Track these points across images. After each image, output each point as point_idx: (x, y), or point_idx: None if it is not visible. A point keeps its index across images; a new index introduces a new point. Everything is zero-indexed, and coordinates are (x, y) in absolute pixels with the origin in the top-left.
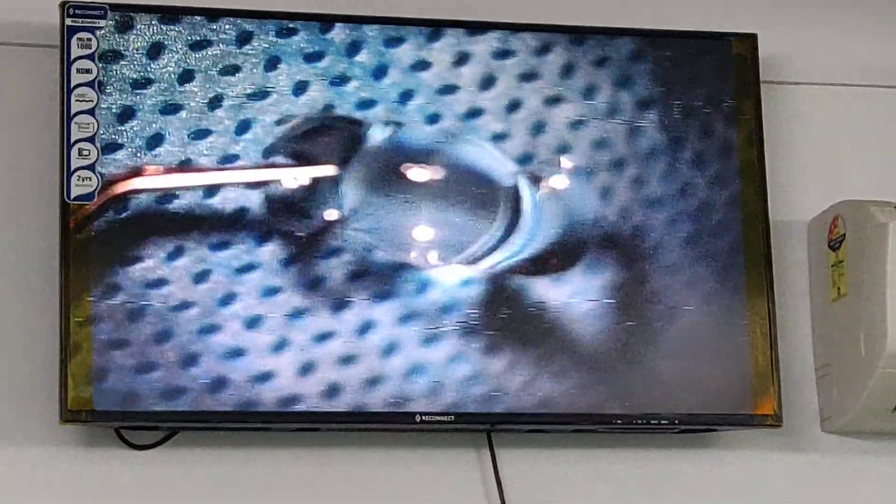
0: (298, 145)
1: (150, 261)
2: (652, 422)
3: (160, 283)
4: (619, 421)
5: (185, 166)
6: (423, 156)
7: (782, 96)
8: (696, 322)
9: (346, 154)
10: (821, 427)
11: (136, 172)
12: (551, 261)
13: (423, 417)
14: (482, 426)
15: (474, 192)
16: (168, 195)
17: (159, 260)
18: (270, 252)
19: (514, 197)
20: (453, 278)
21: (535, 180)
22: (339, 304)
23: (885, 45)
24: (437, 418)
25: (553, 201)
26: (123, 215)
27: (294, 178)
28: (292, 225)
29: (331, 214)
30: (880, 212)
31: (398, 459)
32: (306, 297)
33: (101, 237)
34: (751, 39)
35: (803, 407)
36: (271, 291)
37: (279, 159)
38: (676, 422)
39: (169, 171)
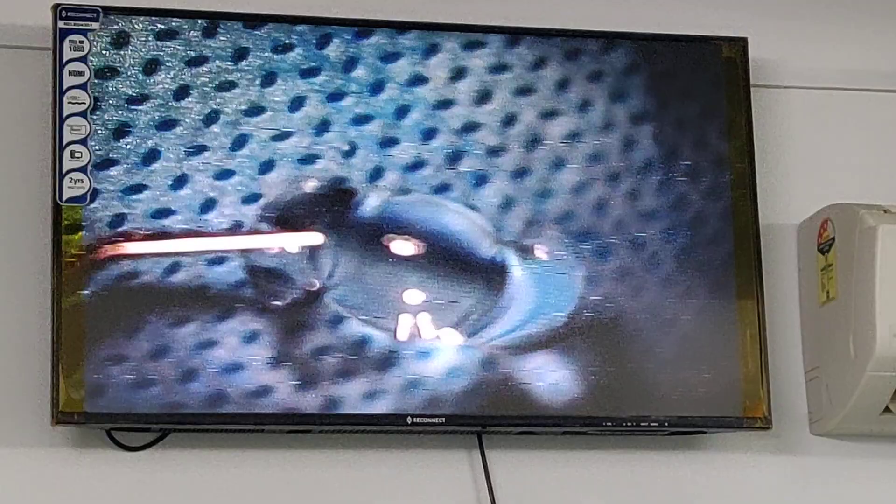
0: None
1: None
2: (642, 424)
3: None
4: (609, 423)
5: (181, 184)
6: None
7: (772, 100)
8: (687, 325)
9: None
10: (810, 429)
11: (132, 190)
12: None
13: (415, 420)
14: (473, 428)
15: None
16: (163, 212)
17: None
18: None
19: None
20: None
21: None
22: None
23: (874, 48)
24: (429, 420)
25: (549, 216)
26: (118, 229)
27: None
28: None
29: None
30: (869, 215)
31: (390, 461)
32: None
33: (92, 248)
34: (741, 43)
35: (793, 409)
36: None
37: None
38: (666, 424)
39: (164, 190)
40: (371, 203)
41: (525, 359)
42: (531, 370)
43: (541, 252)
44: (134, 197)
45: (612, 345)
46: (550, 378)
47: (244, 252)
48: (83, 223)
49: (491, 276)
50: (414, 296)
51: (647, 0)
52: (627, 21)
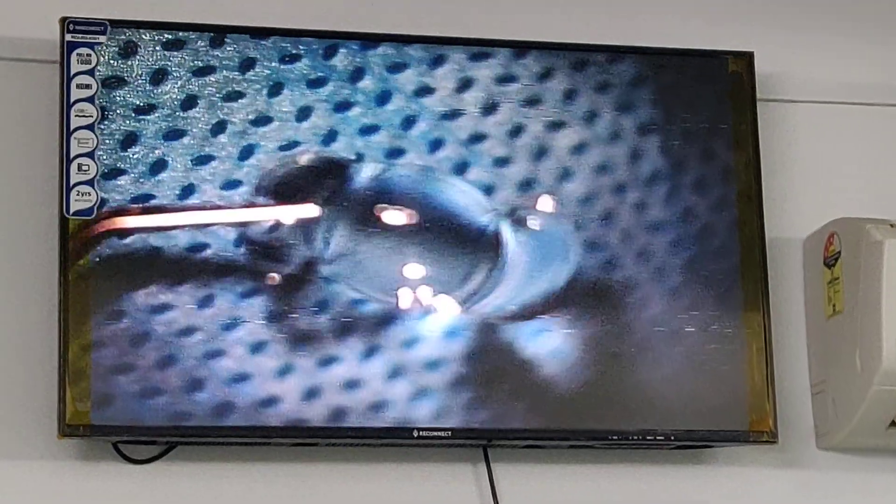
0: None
1: (153, 286)
2: (648, 438)
3: (164, 308)
4: (615, 437)
5: (188, 194)
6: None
7: (778, 114)
8: (693, 338)
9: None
10: (816, 443)
11: (139, 199)
12: (552, 295)
13: (421, 433)
14: (479, 441)
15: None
16: (169, 227)
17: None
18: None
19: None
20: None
21: (534, 208)
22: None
23: (880, 63)
24: (435, 434)
25: (554, 226)
26: (124, 240)
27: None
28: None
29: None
30: (876, 229)
31: (396, 474)
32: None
33: (100, 262)
34: (747, 58)
35: (799, 423)
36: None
37: (280, 196)
38: (672, 438)
39: (172, 200)
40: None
41: (530, 372)
42: (536, 383)
43: None
44: (141, 206)
45: (619, 358)
46: (557, 389)
47: (252, 260)
48: (90, 234)
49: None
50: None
51: (654, 14)
52: (635, 34)
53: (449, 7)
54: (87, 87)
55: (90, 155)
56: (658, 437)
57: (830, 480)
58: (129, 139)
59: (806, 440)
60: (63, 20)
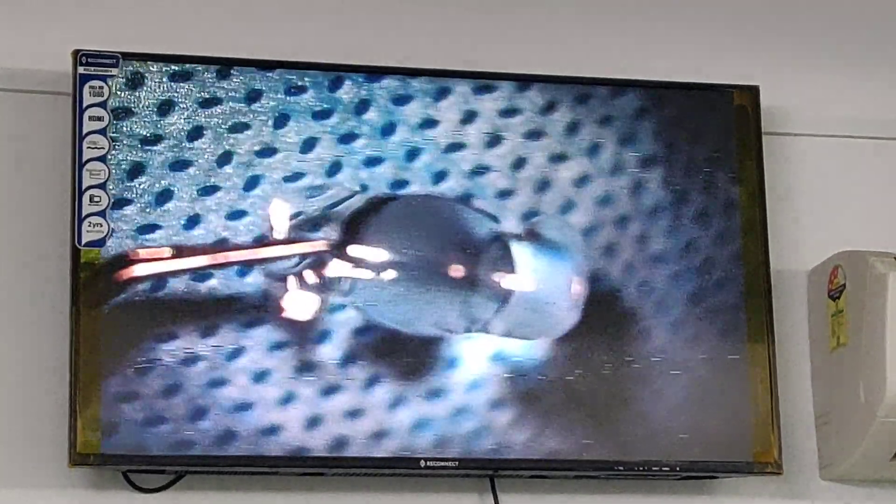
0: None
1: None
2: (653, 468)
3: (171, 336)
4: (620, 468)
5: (193, 224)
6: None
7: (783, 147)
8: (698, 370)
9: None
10: (820, 475)
11: (145, 229)
12: (556, 316)
13: (428, 463)
14: (486, 472)
15: (471, 254)
16: (174, 257)
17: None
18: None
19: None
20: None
21: (538, 237)
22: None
23: (885, 97)
24: (442, 464)
25: (555, 256)
26: (132, 269)
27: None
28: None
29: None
30: (880, 262)
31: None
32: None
33: (110, 292)
34: (753, 91)
35: (803, 454)
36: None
37: (285, 226)
38: (678, 469)
39: (177, 230)
40: None
41: (536, 401)
42: (542, 413)
43: None
44: (147, 236)
45: (624, 389)
46: (560, 421)
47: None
48: (101, 265)
49: None
50: None
51: (660, 47)
52: (640, 67)
53: (454, 41)
54: (100, 119)
55: (102, 186)
56: (663, 468)
57: None
58: (136, 169)
59: (810, 471)
60: (76, 53)
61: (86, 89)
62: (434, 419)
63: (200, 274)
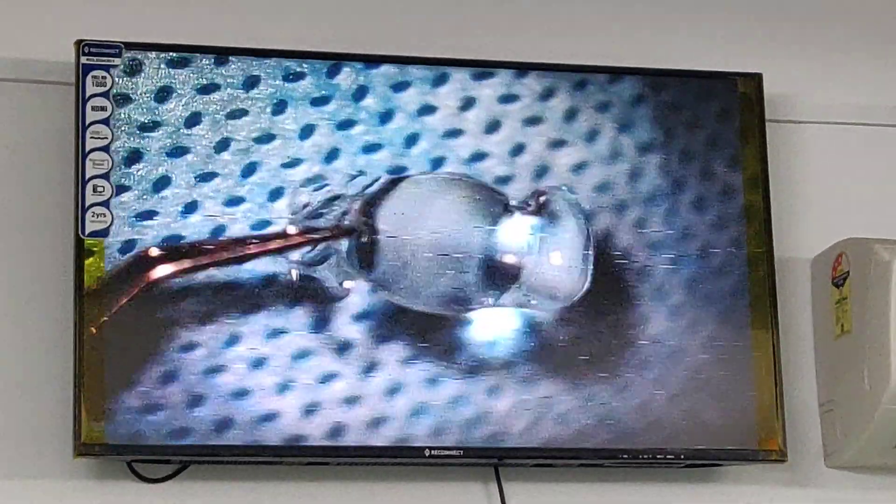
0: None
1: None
2: (658, 457)
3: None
4: (624, 456)
5: (191, 211)
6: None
7: (787, 135)
8: (702, 358)
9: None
10: (825, 462)
11: (143, 216)
12: (556, 302)
13: (432, 452)
14: (490, 461)
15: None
16: (175, 239)
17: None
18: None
19: (518, 239)
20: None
21: (539, 221)
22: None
23: (888, 84)
24: (446, 453)
25: (557, 242)
26: (131, 256)
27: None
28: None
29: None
30: (884, 249)
31: (406, 494)
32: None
33: (113, 280)
34: (756, 79)
35: (807, 442)
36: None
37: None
38: (682, 457)
39: (175, 217)
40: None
41: (537, 388)
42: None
43: None
44: (145, 223)
45: (629, 377)
46: (562, 409)
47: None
48: (103, 255)
49: None
50: None
51: (662, 34)
52: (643, 55)
53: (452, 28)
54: (102, 108)
55: (105, 176)
56: (667, 456)
57: (839, 499)
58: (134, 156)
59: (814, 459)
60: (78, 43)
61: (88, 79)
62: (432, 406)
63: (205, 263)
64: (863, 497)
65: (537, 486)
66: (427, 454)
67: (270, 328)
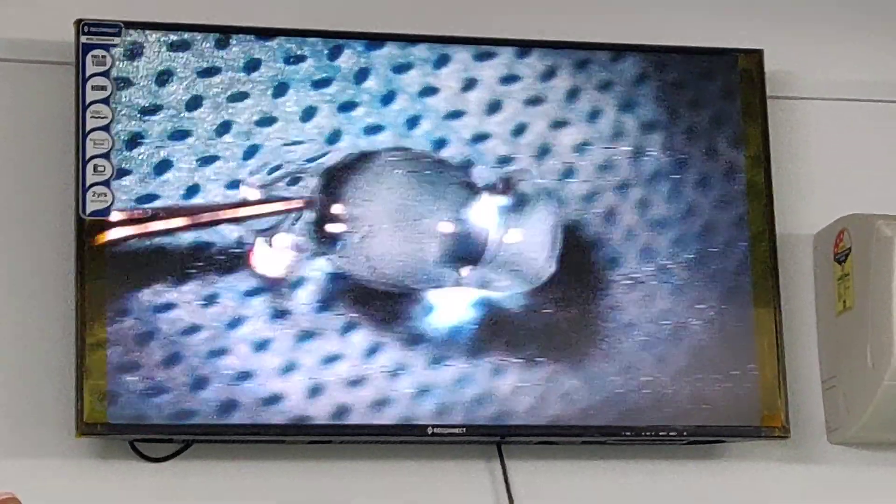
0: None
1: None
2: (661, 434)
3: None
4: (628, 433)
5: (193, 193)
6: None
7: (788, 111)
8: (704, 335)
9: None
10: (828, 438)
11: (144, 199)
12: (559, 282)
13: (435, 430)
14: (493, 438)
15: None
16: (176, 227)
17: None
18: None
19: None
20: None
21: (541, 201)
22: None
23: (890, 60)
24: (450, 430)
25: (559, 222)
26: (133, 240)
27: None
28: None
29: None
30: (886, 225)
31: (410, 472)
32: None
33: (115, 261)
34: (757, 55)
35: (810, 418)
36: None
37: (284, 193)
38: (685, 433)
39: (176, 199)
40: None
41: (541, 369)
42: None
43: None
44: (147, 206)
45: (632, 354)
46: (567, 387)
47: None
48: (105, 235)
49: None
50: None
51: (664, 11)
52: (644, 32)
53: (453, 8)
54: (102, 88)
55: (105, 156)
56: (671, 433)
57: (842, 475)
58: (135, 139)
59: (817, 435)
60: (78, 22)
61: (88, 59)
62: (437, 386)
63: (206, 241)
64: (865, 473)
65: (540, 464)
66: (430, 432)
67: (273, 309)
